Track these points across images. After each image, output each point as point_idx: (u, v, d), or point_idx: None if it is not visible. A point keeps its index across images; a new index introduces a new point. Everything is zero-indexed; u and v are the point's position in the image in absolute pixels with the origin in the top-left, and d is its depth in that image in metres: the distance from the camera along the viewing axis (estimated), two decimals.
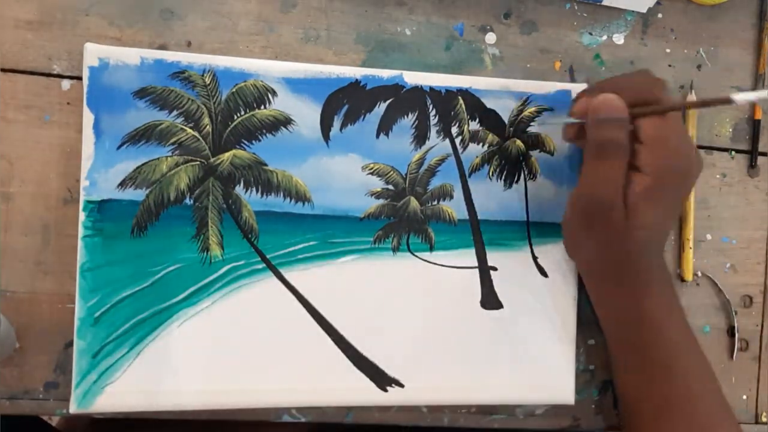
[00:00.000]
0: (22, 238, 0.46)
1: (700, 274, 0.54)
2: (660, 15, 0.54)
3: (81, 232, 0.44)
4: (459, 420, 0.51)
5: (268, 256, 0.46)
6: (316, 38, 0.49)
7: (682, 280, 0.53)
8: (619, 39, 0.53)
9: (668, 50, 0.54)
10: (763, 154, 0.55)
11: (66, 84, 0.46)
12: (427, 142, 0.49)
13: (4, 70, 0.46)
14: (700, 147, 0.54)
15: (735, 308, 0.55)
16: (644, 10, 0.53)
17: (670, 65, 0.54)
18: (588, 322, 0.52)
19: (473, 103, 0.49)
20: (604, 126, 0.43)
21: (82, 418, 0.63)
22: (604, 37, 0.53)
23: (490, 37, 0.51)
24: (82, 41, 0.46)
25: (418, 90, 0.48)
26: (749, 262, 0.55)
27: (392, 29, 0.50)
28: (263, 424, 0.49)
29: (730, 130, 0.55)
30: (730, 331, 0.55)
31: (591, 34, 0.53)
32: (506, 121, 0.50)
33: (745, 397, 0.55)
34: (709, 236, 0.55)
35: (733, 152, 0.55)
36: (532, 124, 0.50)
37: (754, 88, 0.55)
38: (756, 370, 0.55)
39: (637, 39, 0.53)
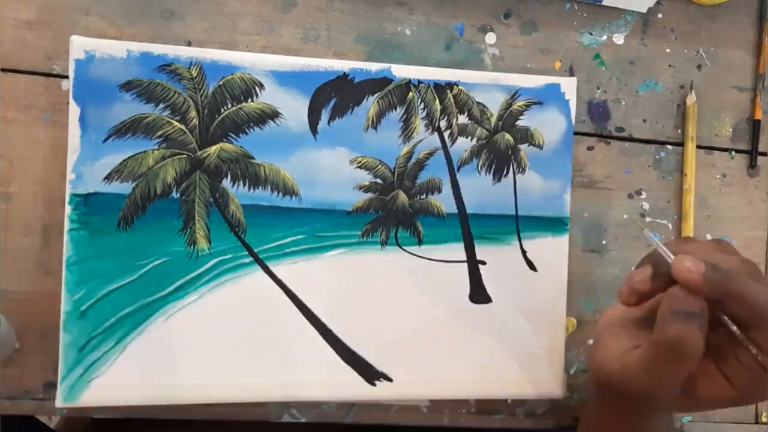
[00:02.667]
0: (22, 238, 0.46)
1: None
2: (660, 15, 0.54)
3: (67, 225, 0.44)
4: (459, 420, 0.51)
5: (255, 250, 0.46)
6: (316, 38, 0.49)
7: None
8: (619, 39, 0.53)
9: (668, 50, 0.54)
10: (763, 154, 0.55)
11: (66, 84, 0.46)
12: (415, 135, 0.49)
13: (4, 70, 0.46)
14: (700, 147, 0.54)
15: None
16: (644, 10, 0.53)
17: (670, 65, 0.54)
18: (587, 321, 0.52)
19: (462, 96, 0.49)
20: (678, 320, 0.34)
21: (82, 418, 0.63)
22: (604, 37, 0.53)
23: (490, 37, 0.51)
24: None
25: (406, 83, 0.48)
26: None
27: (392, 29, 0.50)
28: (264, 424, 0.49)
29: (730, 130, 0.55)
30: None
31: (591, 34, 0.53)
32: (495, 115, 0.50)
33: None
34: (709, 236, 0.55)
35: (733, 152, 0.55)
36: (521, 117, 0.50)
37: (755, 87, 0.55)
38: None
39: (637, 39, 0.53)
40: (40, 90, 0.46)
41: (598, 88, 0.53)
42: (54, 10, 0.46)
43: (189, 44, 0.47)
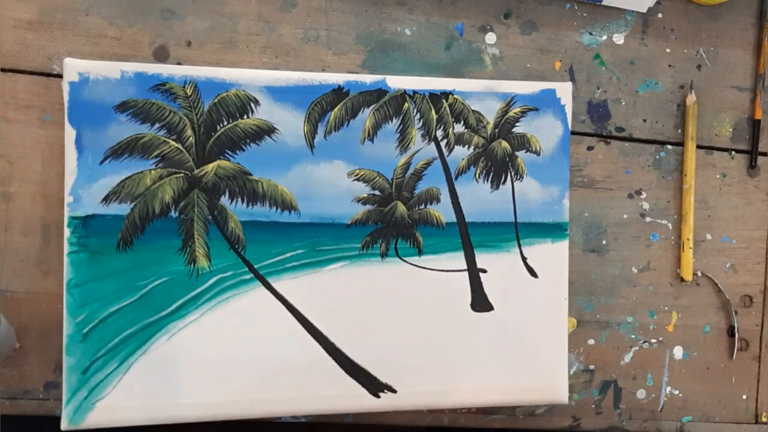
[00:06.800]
0: (22, 238, 0.46)
1: (700, 274, 0.54)
2: (660, 15, 0.54)
3: (66, 248, 0.44)
4: (459, 420, 0.51)
5: (255, 266, 0.46)
6: (316, 38, 0.49)
7: (682, 280, 0.53)
8: (619, 39, 0.53)
9: (668, 50, 0.54)
10: (763, 154, 0.55)
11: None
12: (412, 146, 0.49)
13: (4, 70, 0.46)
14: (700, 147, 0.54)
15: (735, 308, 0.55)
16: (644, 10, 0.53)
17: (670, 65, 0.54)
18: (587, 321, 0.52)
19: (457, 105, 0.49)
20: None
21: None
22: (604, 37, 0.53)
23: (490, 37, 0.51)
24: (82, 41, 0.46)
25: (401, 94, 0.48)
26: (749, 262, 0.55)
27: (392, 29, 0.50)
28: (264, 424, 0.49)
29: (730, 130, 0.55)
30: (730, 331, 0.55)
31: (591, 34, 0.53)
32: (491, 123, 0.50)
33: (745, 397, 0.55)
34: (709, 236, 0.55)
35: (733, 152, 0.55)
36: (517, 124, 0.50)
37: (755, 87, 0.55)
38: (756, 370, 0.55)
39: (637, 39, 0.53)
40: (40, 90, 0.46)
41: (598, 88, 0.53)
42: (54, 10, 0.46)
43: (189, 44, 0.47)
